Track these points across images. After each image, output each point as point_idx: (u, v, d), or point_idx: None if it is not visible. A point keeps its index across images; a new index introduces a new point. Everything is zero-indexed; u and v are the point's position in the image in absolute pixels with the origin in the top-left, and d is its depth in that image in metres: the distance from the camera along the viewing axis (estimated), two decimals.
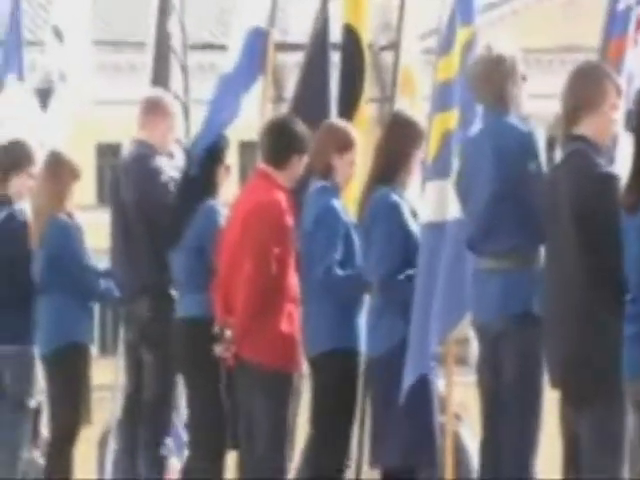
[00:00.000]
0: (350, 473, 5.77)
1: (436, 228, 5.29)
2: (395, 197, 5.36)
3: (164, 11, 6.74)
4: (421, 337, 5.21)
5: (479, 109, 4.99)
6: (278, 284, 5.37)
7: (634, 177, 4.23)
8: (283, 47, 6.64)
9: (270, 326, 5.41)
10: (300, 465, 5.74)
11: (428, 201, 5.35)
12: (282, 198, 5.47)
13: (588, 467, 4.51)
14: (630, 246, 4.23)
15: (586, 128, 4.64)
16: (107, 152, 9.69)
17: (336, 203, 5.49)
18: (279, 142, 5.50)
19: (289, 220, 5.41)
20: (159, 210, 5.86)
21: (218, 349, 5.44)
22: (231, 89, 6.02)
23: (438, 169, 5.29)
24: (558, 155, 4.73)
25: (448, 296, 5.12)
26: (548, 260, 4.56)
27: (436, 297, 5.15)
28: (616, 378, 4.26)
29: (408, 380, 5.18)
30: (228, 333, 5.45)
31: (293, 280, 5.42)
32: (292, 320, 5.44)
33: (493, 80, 4.86)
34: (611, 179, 4.54)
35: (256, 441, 5.45)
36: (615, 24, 5.66)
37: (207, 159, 5.89)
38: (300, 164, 5.53)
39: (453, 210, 5.14)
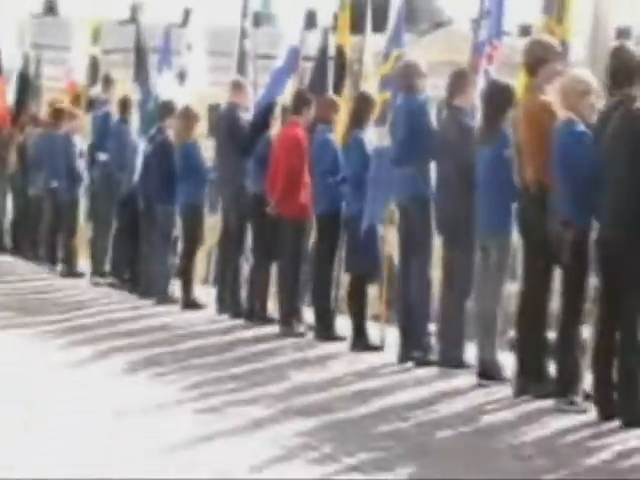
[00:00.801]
0: None
1: (379, 149, 8.88)
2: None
3: (244, 34, 11.88)
4: (373, 202, 8.84)
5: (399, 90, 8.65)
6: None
7: None
8: (304, 57, 11.46)
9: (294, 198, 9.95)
10: None
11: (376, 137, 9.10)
12: (300, 132, 9.90)
13: None
14: None
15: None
16: (214, 108, 14.35)
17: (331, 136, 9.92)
18: (299, 102, 10.10)
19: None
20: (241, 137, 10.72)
21: (268, 209, 10.16)
22: (279, 78, 10.92)
23: (381, 122, 9.02)
24: None
25: (382, 185, 8.84)
26: None
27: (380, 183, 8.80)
28: None
29: (365, 224, 8.90)
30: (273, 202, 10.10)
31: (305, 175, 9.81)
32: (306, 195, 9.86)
33: (406, 75, 8.58)
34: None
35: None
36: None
37: (265, 112, 10.88)
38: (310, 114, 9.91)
39: (386, 141, 8.83)
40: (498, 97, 7.74)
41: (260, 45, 12.11)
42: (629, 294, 6.64)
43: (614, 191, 6.69)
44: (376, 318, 9.62)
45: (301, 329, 9.98)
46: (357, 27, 10.91)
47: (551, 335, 7.25)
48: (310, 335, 9.87)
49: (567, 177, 6.94)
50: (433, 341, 8.54)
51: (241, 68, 11.78)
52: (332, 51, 10.76)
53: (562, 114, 7.07)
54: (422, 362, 8.44)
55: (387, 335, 9.25)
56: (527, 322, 7.32)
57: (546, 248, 7.14)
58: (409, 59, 8.76)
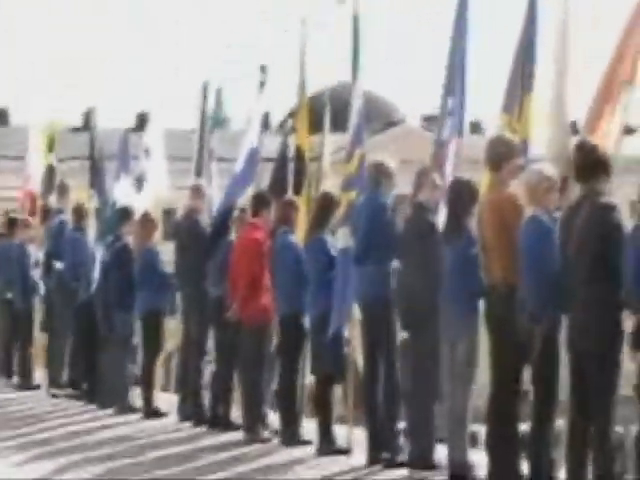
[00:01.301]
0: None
1: (345, 250, 8.75)
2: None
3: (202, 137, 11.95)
4: (340, 304, 8.73)
5: (366, 189, 8.61)
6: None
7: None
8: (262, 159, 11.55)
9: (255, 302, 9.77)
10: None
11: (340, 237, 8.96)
12: (260, 235, 9.78)
13: None
14: None
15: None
16: (169, 212, 14.42)
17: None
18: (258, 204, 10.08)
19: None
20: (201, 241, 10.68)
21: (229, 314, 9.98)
22: (239, 181, 10.87)
23: (346, 221, 8.87)
24: None
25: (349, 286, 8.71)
26: None
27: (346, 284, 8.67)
28: None
29: (332, 328, 8.74)
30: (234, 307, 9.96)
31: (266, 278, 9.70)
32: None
33: (371, 174, 8.66)
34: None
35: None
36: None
37: (225, 215, 10.84)
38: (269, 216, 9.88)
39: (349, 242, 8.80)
40: (462, 195, 7.76)
41: (215, 148, 12.15)
42: (599, 393, 6.56)
43: (582, 285, 6.65)
44: (342, 420, 9.48)
45: (266, 434, 9.79)
46: (315, 127, 11.11)
47: (524, 428, 7.15)
48: (276, 440, 9.68)
49: (534, 273, 6.92)
50: (402, 441, 8.40)
51: (200, 171, 11.80)
52: (290, 152, 10.85)
53: (527, 210, 7.09)
54: (391, 464, 8.29)
55: (354, 437, 9.09)
56: (499, 424, 7.23)
57: (515, 346, 7.08)
58: (378, 159, 8.70)
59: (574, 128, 8.22)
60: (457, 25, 8.76)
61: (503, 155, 7.40)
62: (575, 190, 7.11)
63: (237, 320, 9.89)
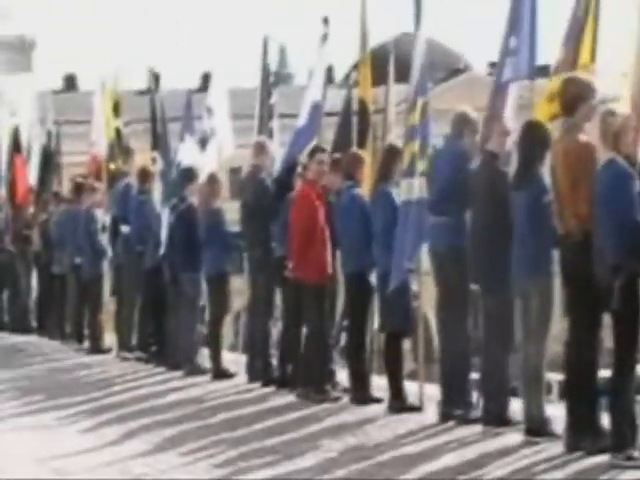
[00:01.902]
0: None
1: (408, 202, 8.54)
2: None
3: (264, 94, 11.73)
4: (399, 259, 8.54)
5: (431, 140, 8.48)
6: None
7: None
8: (326, 113, 11.30)
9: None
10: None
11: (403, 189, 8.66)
12: (310, 190, 9.46)
13: None
14: None
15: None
16: (236, 171, 14.31)
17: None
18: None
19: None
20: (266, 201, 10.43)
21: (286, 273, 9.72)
22: (301, 137, 10.65)
23: (409, 173, 8.64)
24: None
25: (414, 234, 8.44)
26: None
27: (409, 234, 8.42)
28: None
29: (393, 284, 8.55)
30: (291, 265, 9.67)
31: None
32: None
33: (455, 123, 8.30)
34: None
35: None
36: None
37: (288, 172, 10.61)
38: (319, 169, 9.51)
39: (418, 192, 8.48)
40: (533, 140, 7.41)
41: (279, 104, 11.91)
42: None
43: None
44: (412, 376, 9.24)
45: (335, 393, 9.57)
46: (379, 79, 10.83)
47: (605, 375, 6.84)
48: (346, 399, 9.46)
49: (613, 222, 6.58)
50: (475, 397, 8.13)
51: (263, 129, 11.57)
52: (354, 105, 10.58)
53: (603, 154, 6.73)
54: (464, 420, 8.03)
55: (426, 394, 8.83)
56: (576, 374, 6.96)
57: (593, 296, 6.78)
58: (461, 109, 8.41)
59: None
60: None
61: (577, 97, 7.03)
62: None
63: (296, 278, 9.64)
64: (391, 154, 9.06)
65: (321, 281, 9.43)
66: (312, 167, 9.62)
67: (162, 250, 11.99)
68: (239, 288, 11.51)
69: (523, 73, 8.23)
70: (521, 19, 8.29)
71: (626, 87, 7.79)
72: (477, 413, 8.06)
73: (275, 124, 11.66)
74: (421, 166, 8.52)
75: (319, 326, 9.50)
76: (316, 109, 10.65)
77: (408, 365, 9.27)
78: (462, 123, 8.34)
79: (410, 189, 8.55)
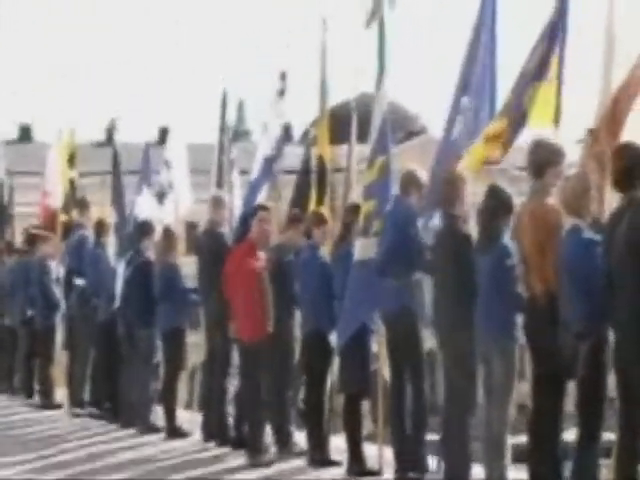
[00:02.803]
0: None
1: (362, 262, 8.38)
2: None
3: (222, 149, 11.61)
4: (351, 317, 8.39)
5: (389, 199, 8.30)
6: None
7: None
8: (285, 171, 11.22)
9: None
10: None
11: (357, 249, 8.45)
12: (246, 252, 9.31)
13: None
14: None
15: None
16: (192, 226, 14.19)
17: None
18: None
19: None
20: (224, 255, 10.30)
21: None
22: (253, 192, 10.63)
23: (364, 232, 8.45)
24: None
25: (371, 295, 8.30)
26: None
27: (365, 295, 8.30)
28: None
29: (341, 341, 8.45)
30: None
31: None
32: None
33: (404, 189, 8.23)
34: None
35: None
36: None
37: (244, 225, 10.40)
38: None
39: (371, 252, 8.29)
40: (497, 203, 7.34)
41: (237, 161, 11.81)
42: None
43: (629, 299, 6.22)
44: (371, 438, 9.06)
45: (269, 457, 9.28)
46: (337, 137, 10.77)
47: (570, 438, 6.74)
48: (303, 461, 9.26)
49: (578, 287, 6.49)
50: (434, 460, 7.98)
51: (221, 183, 11.45)
52: (313, 163, 10.55)
53: (567, 220, 6.67)
54: None
55: (384, 456, 8.65)
56: (540, 442, 6.82)
57: (557, 362, 6.66)
58: (410, 167, 8.37)
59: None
60: (480, 24, 8.28)
61: (546, 161, 6.96)
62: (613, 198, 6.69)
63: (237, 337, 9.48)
64: (353, 213, 8.93)
65: (259, 338, 9.22)
66: (254, 226, 9.46)
67: (116, 304, 11.76)
68: (195, 343, 11.31)
69: (475, 134, 8.10)
70: (470, 78, 8.18)
71: (583, 151, 7.73)
72: (436, 476, 7.89)
73: (235, 179, 11.54)
74: (377, 226, 8.41)
75: (253, 385, 9.30)
76: (268, 163, 10.59)
77: (367, 426, 9.09)
78: (409, 182, 8.26)
79: (365, 249, 8.43)
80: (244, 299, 9.35)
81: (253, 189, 10.66)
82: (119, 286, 11.80)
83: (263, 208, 9.77)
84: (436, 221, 8.07)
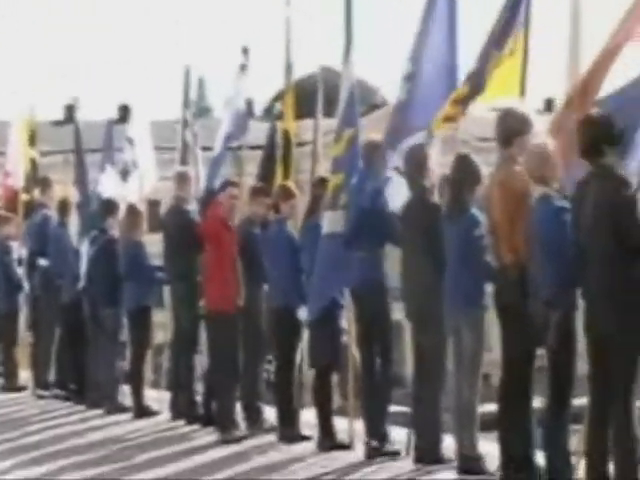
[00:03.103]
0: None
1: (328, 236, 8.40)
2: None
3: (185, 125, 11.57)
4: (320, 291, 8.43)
5: (356, 173, 8.29)
6: None
7: None
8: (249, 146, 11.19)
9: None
10: None
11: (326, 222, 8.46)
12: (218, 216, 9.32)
13: None
14: None
15: None
16: (154, 203, 14.09)
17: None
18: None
19: None
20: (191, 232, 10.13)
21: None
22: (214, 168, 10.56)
23: (332, 205, 8.45)
24: None
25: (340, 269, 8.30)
26: None
27: (334, 269, 8.30)
28: None
29: (312, 315, 8.49)
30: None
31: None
32: None
33: (368, 158, 8.22)
34: None
35: None
36: None
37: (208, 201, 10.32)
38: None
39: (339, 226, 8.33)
40: (465, 172, 7.35)
41: (199, 138, 11.76)
42: (621, 374, 6.18)
43: (599, 267, 6.26)
44: (340, 412, 9.09)
45: (239, 433, 9.27)
46: (301, 112, 10.75)
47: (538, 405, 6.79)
48: (273, 436, 9.27)
49: (549, 255, 6.50)
50: (404, 433, 8.03)
51: (184, 159, 11.39)
52: (278, 137, 10.52)
53: (536, 189, 6.69)
54: (383, 452, 7.94)
55: (355, 429, 8.68)
56: (510, 412, 6.86)
57: (527, 332, 6.70)
58: (372, 138, 8.37)
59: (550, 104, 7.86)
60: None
61: (514, 130, 6.97)
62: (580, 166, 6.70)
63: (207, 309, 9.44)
64: (320, 187, 8.90)
65: (230, 310, 9.19)
66: (224, 202, 9.43)
67: (81, 284, 11.69)
68: (161, 322, 11.26)
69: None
70: (429, 51, 8.15)
71: (542, 119, 7.81)
72: (393, 446, 7.94)
73: (199, 154, 11.49)
74: (345, 199, 8.41)
75: (222, 360, 9.27)
76: (230, 140, 10.56)
77: (336, 400, 9.12)
78: (370, 150, 8.23)
79: (333, 222, 8.41)
80: (219, 269, 9.25)
81: (215, 165, 10.60)
82: (83, 266, 11.72)
83: (233, 184, 9.74)
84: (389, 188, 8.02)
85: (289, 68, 10.55)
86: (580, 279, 6.42)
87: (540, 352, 6.80)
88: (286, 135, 10.33)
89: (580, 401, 6.64)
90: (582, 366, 6.54)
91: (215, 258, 9.34)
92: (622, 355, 6.17)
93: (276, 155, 10.44)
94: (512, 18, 7.75)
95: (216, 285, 9.32)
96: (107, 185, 12.15)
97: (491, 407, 7.02)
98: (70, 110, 14.25)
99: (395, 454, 8.01)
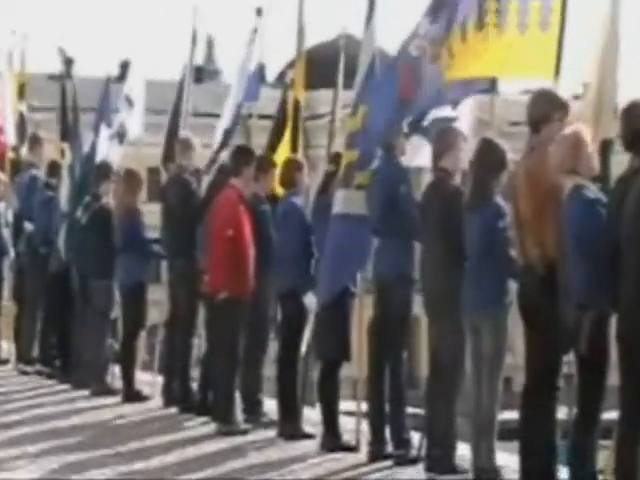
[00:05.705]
0: None
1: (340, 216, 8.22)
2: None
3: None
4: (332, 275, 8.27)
5: (375, 152, 8.12)
6: None
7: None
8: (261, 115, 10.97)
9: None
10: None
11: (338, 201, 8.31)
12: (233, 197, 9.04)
13: None
14: None
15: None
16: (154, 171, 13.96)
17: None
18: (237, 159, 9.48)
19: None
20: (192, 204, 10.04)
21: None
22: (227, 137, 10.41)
23: (345, 184, 8.29)
24: None
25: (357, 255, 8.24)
26: None
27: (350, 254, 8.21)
28: None
29: (322, 301, 8.27)
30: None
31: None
32: None
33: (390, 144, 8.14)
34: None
35: None
36: None
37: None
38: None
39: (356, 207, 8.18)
40: (490, 158, 7.18)
41: (204, 102, 11.59)
42: None
43: (637, 270, 6.10)
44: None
45: (243, 426, 9.18)
46: (311, 83, 10.57)
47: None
48: (273, 432, 9.17)
49: (581, 253, 6.35)
50: (417, 436, 7.94)
51: (182, 125, 11.22)
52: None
53: (568, 180, 6.52)
54: (403, 460, 7.81)
55: (363, 431, 8.57)
56: (533, 422, 6.73)
57: (555, 336, 6.56)
58: None
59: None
60: None
61: (544, 114, 6.77)
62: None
63: (212, 292, 9.24)
64: (336, 163, 8.70)
65: (240, 296, 9.01)
66: (238, 185, 9.19)
67: (65, 253, 11.56)
68: (157, 300, 11.15)
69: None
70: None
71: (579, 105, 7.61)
72: (415, 452, 7.83)
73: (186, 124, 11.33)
74: (360, 178, 8.23)
75: (231, 346, 9.09)
76: (240, 109, 10.43)
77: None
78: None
79: (349, 202, 8.23)
80: (233, 250, 9.06)
81: (226, 137, 10.42)
82: (70, 234, 11.61)
83: (247, 162, 9.54)
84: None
85: (301, 32, 10.40)
86: (615, 281, 6.26)
87: (568, 359, 6.66)
88: (296, 105, 10.17)
89: (610, 414, 6.50)
90: (614, 376, 6.41)
91: (228, 239, 9.07)
92: None
93: (286, 125, 10.27)
94: None
95: (228, 268, 9.02)
96: (102, 147, 11.99)
97: (512, 415, 6.91)
98: (67, 64, 14.12)
99: (402, 459, 7.88)
